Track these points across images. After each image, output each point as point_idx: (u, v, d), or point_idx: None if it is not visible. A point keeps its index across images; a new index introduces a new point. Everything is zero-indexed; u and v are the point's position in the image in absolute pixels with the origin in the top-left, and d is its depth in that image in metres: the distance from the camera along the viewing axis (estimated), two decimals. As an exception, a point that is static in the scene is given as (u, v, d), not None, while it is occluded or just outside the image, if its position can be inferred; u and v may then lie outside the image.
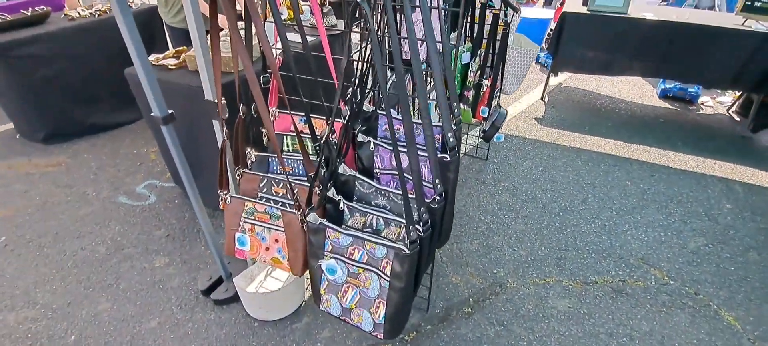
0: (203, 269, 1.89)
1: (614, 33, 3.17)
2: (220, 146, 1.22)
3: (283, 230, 1.20)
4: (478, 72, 2.20)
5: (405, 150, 1.17)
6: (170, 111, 1.36)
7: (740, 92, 3.51)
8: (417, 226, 1.02)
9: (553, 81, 4.08)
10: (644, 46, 3.12)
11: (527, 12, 5.04)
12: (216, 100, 1.25)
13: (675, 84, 3.75)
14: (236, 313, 1.70)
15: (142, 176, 2.61)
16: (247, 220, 1.24)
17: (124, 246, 2.05)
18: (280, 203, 1.24)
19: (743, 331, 1.68)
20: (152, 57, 2.09)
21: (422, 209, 1.01)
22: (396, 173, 1.21)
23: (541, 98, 3.79)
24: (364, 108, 1.27)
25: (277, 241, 1.23)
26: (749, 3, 2.87)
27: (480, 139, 2.52)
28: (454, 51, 2.06)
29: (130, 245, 2.06)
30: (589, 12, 3.21)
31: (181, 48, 2.18)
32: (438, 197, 1.06)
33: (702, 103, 3.73)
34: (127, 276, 1.88)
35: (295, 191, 1.12)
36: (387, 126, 1.24)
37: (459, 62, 2.12)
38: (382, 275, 1.05)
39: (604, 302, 1.79)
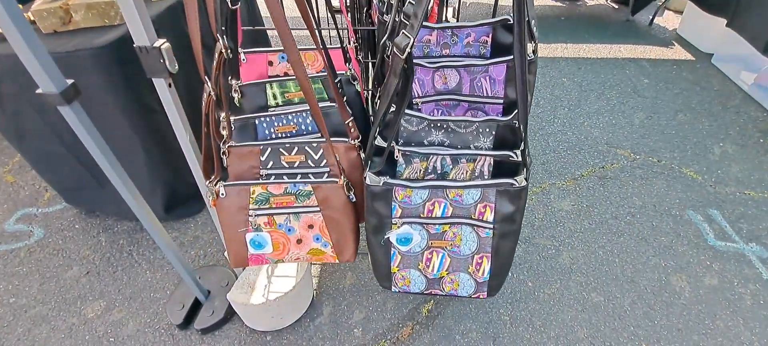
0: (163, 299, 1.41)
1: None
2: (203, 110, 0.77)
3: (318, 209, 0.86)
4: None
5: (454, 64, 0.91)
6: (70, 81, 0.84)
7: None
8: (516, 151, 0.80)
9: (459, -2, 4.02)
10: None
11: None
12: (157, 46, 0.79)
13: (562, -16, 4.01)
14: (235, 334, 1.30)
15: (6, 208, 1.82)
16: (259, 211, 0.86)
17: (27, 307, 1.42)
18: (303, 175, 0.89)
19: (703, 181, 1.90)
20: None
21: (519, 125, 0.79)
22: (442, 98, 0.95)
23: (454, 17, 3.71)
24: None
25: (311, 226, 0.88)
26: None
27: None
28: None
29: (35, 302, 1.43)
30: None
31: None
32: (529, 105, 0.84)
33: (585, -1, 4.08)
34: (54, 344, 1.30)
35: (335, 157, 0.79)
36: (418, 39, 0.94)
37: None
38: (481, 224, 0.82)
39: (598, 191, 1.85)
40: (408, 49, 0.59)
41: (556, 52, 3.05)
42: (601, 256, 1.58)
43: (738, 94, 2.50)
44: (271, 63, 1.01)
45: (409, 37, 0.59)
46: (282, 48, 1.04)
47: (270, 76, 1.02)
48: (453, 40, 0.94)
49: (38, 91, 0.83)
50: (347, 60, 0.93)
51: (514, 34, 0.66)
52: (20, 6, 0.73)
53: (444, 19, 2.20)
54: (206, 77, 0.71)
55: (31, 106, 1.40)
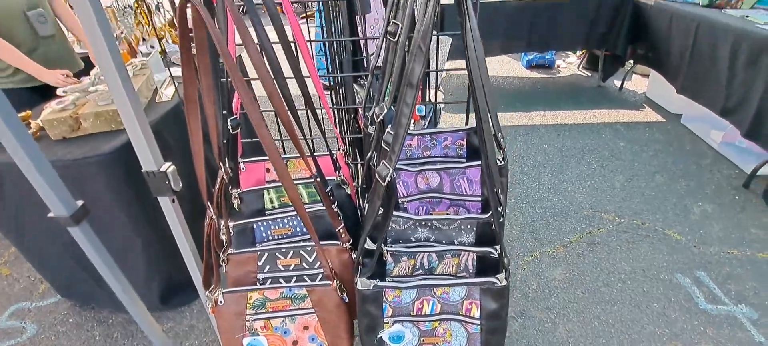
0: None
1: (485, 18, 3.47)
2: (205, 229, 0.84)
3: (313, 311, 0.90)
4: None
5: (434, 168, 1.00)
6: (80, 203, 0.91)
7: (583, 53, 4.24)
8: (495, 246, 0.86)
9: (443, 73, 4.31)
10: (512, 26, 3.48)
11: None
12: (163, 170, 0.87)
13: (535, 55, 4.34)
14: None
15: (0, 302, 1.81)
16: (256, 316, 0.89)
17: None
18: (299, 278, 0.94)
19: (687, 242, 1.96)
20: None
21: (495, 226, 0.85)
22: (425, 196, 1.03)
23: (437, 88, 3.95)
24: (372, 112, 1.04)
25: (306, 328, 0.91)
26: (581, -23, 3.45)
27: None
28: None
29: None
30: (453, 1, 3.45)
31: (24, 113, 1.57)
32: (501, 209, 0.92)
33: (558, 66, 4.39)
34: None
35: (328, 264, 0.84)
36: (408, 143, 1.04)
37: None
38: (469, 321, 0.86)
39: (587, 257, 1.90)
40: (388, 179, 0.67)
41: (535, 119, 3.24)
42: (598, 327, 1.59)
43: (709, 153, 2.65)
44: (268, 170, 1.10)
45: (388, 167, 0.67)
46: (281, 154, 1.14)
47: (268, 182, 1.10)
48: (433, 144, 1.04)
49: (50, 215, 0.89)
50: (337, 168, 1.02)
51: (482, 156, 0.75)
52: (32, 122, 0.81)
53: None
54: (208, 203, 0.78)
55: (33, 206, 1.45)
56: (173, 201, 0.93)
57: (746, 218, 2.08)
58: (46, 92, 1.83)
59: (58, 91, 1.57)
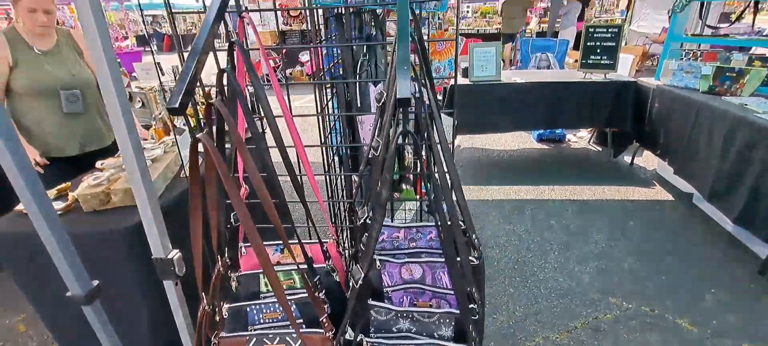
0: None
1: (495, 97, 3.66)
2: (198, 316, 0.92)
3: (295, 399, 0.93)
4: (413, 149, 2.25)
5: (417, 260, 1.06)
6: (96, 282, 1.01)
7: (594, 129, 4.34)
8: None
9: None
10: (520, 105, 3.65)
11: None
12: (170, 258, 0.97)
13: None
14: None
15: (8, 371, 1.88)
16: (241, 402, 0.93)
17: None
18: (282, 365, 0.98)
19: (700, 333, 1.88)
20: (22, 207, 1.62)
21: (470, 323, 0.89)
22: (409, 286, 1.08)
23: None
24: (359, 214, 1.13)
25: (288, 416, 0.94)
26: (584, 61, 3.65)
27: (426, 212, 2.54)
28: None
29: None
30: (471, 82, 3.67)
31: (64, 185, 1.74)
32: (477, 307, 0.96)
33: (569, 141, 4.48)
34: None
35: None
36: (390, 236, 1.12)
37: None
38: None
39: (592, 346, 1.84)
40: (360, 281, 0.75)
41: (543, 194, 3.27)
42: None
43: (723, 236, 2.59)
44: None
45: (360, 271, 0.75)
46: (277, 242, 1.23)
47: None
48: (418, 236, 1.11)
49: (68, 293, 0.99)
50: (327, 257, 1.09)
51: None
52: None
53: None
54: (203, 294, 0.87)
55: (53, 277, 1.56)
56: (176, 284, 1.02)
57: (763, 308, 1.99)
58: (74, 161, 1.99)
59: (97, 165, 1.75)
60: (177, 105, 0.63)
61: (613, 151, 3.87)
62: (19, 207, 1.65)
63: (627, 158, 3.85)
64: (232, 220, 1.00)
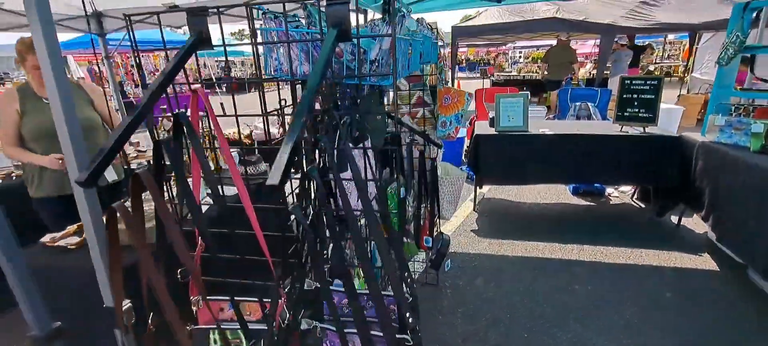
0: None
1: (521, 148, 3.53)
2: None
3: None
4: (415, 203, 2.21)
5: (354, 332, 1.01)
6: (57, 324, 1.06)
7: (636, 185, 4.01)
8: None
9: (478, 192, 4.33)
10: (548, 156, 3.48)
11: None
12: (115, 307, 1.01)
13: (583, 182, 4.20)
14: None
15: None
16: None
17: None
18: None
19: None
20: (48, 238, 1.78)
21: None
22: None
23: (474, 209, 3.94)
24: (306, 285, 1.11)
25: None
26: (620, 114, 3.43)
27: (429, 267, 2.44)
28: (389, 189, 2.06)
29: None
30: (497, 132, 3.59)
31: (78, 225, 1.90)
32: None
33: (609, 195, 4.16)
34: None
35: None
36: (339, 302, 1.09)
37: (396, 198, 2.11)
38: None
39: None
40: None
41: (570, 253, 3.03)
42: None
43: (783, 320, 2.21)
44: (222, 309, 1.19)
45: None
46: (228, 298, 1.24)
47: (220, 319, 1.19)
48: (369, 305, 1.06)
49: (29, 334, 1.05)
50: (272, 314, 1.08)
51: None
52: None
53: (436, 230, 2.39)
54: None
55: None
56: (126, 332, 1.05)
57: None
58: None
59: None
60: (84, 179, 0.66)
61: (656, 210, 3.53)
62: (43, 239, 1.83)
63: (674, 218, 3.48)
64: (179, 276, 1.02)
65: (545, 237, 3.29)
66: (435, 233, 2.36)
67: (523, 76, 11.64)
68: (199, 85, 0.99)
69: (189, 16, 0.92)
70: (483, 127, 3.79)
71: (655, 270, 2.76)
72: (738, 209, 2.46)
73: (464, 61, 27.53)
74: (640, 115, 3.36)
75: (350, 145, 1.41)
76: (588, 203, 4.01)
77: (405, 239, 2.21)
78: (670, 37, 16.66)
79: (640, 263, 2.86)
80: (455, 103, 2.18)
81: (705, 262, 2.83)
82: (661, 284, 2.60)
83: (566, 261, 2.93)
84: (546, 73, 8.33)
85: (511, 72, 17.37)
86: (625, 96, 3.42)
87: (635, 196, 4.06)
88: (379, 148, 1.87)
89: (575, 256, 2.99)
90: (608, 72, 8.42)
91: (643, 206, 3.88)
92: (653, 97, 3.31)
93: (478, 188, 3.92)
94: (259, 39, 0.94)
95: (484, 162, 3.62)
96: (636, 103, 3.38)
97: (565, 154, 3.46)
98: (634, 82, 3.39)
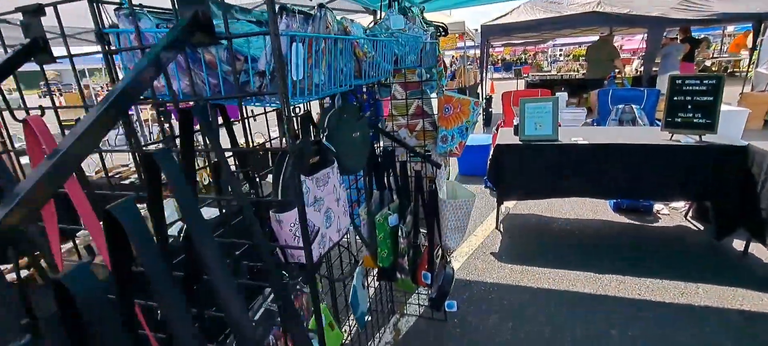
0: None
1: (550, 160, 3.09)
2: None
3: None
4: (411, 233, 1.88)
5: None
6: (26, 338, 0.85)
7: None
8: None
9: (503, 207, 3.90)
10: (582, 169, 3.03)
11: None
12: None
13: (625, 196, 3.66)
14: None
15: None
16: None
17: None
18: None
19: None
20: None
21: None
22: None
23: (496, 228, 3.53)
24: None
25: None
26: (670, 119, 2.92)
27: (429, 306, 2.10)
28: (377, 217, 1.75)
29: None
30: (521, 142, 3.17)
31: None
32: None
33: (658, 212, 3.60)
34: None
35: None
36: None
37: (386, 227, 1.80)
38: None
39: None
40: None
41: (608, 287, 2.56)
42: None
43: None
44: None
45: None
46: None
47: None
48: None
49: None
50: None
51: None
52: None
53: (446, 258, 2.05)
54: None
55: None
56: None
57: None
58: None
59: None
60: None
61: (716, 232, 2.96)
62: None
63: (739, 244, 2.90)
64: None
65: (578, 264, 2.83)
66: (436, 268, 2.01)
67: (562, 76, 10.87)
68: (33, 113, 0.73)
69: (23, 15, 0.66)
70: (506, 136, 3.38)
71: (715, 313, 2.25)
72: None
73: (500, 62, 26.62)
74: (694, 120, 2.83)
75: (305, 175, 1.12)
76: (631, 222, 3.48)
77: (399, 275, 1.89)
78: (730, 29, 15.12)
79: (696, 302, 2.35)
80: (458, 114, 1.83)
81: (782, 304, 2.28)
82: (723, 331, 2.10)
83: (602, 297, 2.47)
84: (584, 73, 7.67)
85: (550, 71, 16.45)
86: (675, 99, 2.91)
87: (690, 214, 3.48)
88: (353, 172, 1.56)
89: (614, 290, 2.53)
90: (657, 69, 7.62)
91: (700, 226, 3.30)
92: (712, 99, 2.77)
93: (501, 205, 3.51)
94: (113, 45, 0.67)
95: (505, 176, 3.22)
96: (690, 107, 2.85)
97: (601, 168, 2.99)
98: (686, 82, 2.87)
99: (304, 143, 1.16)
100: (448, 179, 3.25)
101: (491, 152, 3.29)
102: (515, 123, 3.45)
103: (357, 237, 1.61)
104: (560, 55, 23.85)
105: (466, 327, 2.28)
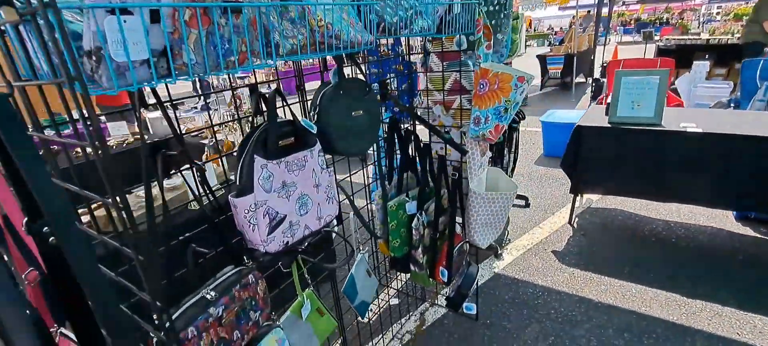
0: None
1: (646, 150, 2.49)
2: None
3: None
4: (431, 223, 1.68)
5: None
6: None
7: None
8: None
9: (585, 198, 3.35)
10: (691, 166, 2.38)
11: (556, 115, 4.50)
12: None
13: (758, 203, 2.81)
14: None
15: None
16: None
17: None
18: None
19: None
20: None
21: None
22: None
23: (569, 222, 3.06)
24: None
25: None
26: (842, 107, 2.08)
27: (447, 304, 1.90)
28: (390, 204, 1.59)
29: None
30: (611, 125, 2.61)
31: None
32: None
33: (805, 230, 2.71)
34: None
35: None
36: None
37: (401, 215, 1.64)
38: None
39: None
40: None
41: (697, 318, 2.03)
42: None
43: None
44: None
45: None
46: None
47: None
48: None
49: None
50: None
51: None
52: None
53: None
54: None
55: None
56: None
57: None
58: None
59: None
60: None
61: None
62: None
63: None
64: None
65: (665, 282, 2.30)
66: (456, 264, 1.80)
67: (708, 40, 8.71)
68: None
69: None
70: (593, 116, 2.84)
71: None
72: None
73: (633, 22, 22.63)
74: None
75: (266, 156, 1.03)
76: (760, 236, 2.68)
77: (412, 268, 1.73)
78: None
79: (830, 364, 1.72)
80: (495, 92, 1.52)
81: None
82: None
83: (683, 328, 1.97)
84: (739, 37, 5.99)
85: (699, 34, 13.34)
86: None
87: None
88: (352, 154, 1.41)
89: (702, 323, 1.99)
90: None
91: None
92: None
93: (577, 196, 3.01)
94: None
95: (584, 163, 2.72)
96: None
97: (719, 167, 2.31)
98: None
99: (270, 125, 1.06)
100: (514, 162, 2.90)
101: (571, 135, 2.79)
102: (608, 101, 2.85)
103: (361, 224, 1.49)
104: (717, 13, 19.18)
105: (498, 331, 2.04)
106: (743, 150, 2.21)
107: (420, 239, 1.64)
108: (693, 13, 20.18)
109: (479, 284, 2.40)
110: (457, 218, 1.75)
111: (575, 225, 3.01)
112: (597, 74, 7.35)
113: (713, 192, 2.39)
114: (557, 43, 9.85)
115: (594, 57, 8.19)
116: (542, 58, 8.37)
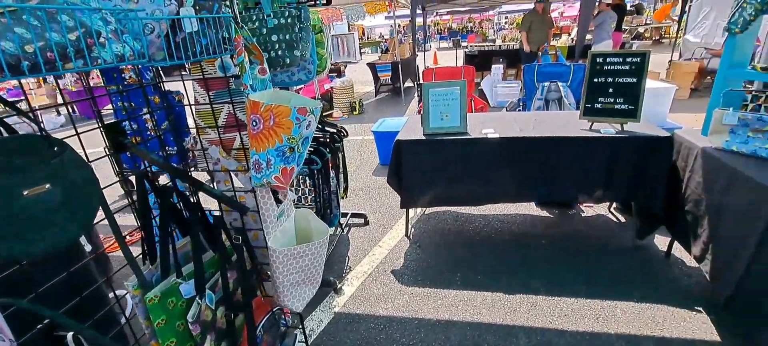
0: None
1: (458, 159, 2.59)
2: None
3: None
4: (219, 304, 1.28)
5: None
6: None
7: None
8: None
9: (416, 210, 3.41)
10: (495, 168, 2.56)
11: (386, 123, 4.56)
12: None
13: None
14: None
15: None
16: None
17: None
18: None
19: None
20: None
21: None
22: None
23: (406, 234, 3.04)
24: None
25: None
26: (589, 106, 2.49)
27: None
28: (150, 295, 1.12)
29: None
30: (426, 137, 2.64)
31: None
32: None
33: (580, 204, 3.26)
34: None
35: None
36: None
37: (171, 306, 1.18)
38: None
39: None
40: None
41: (517, 313, 2.13)
42: None
43: None
44: None
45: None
46: None
47: None
48: None
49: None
50: None
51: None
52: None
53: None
54: None
55: None
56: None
57: None
58: None
59: None
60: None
61: (637, 229, 2.63)
62: None
63: (662, 242, 2.61)
64: None
65: (488, 282, 2.39)
66: (275, 335, 1.44)
67: (500, 47, 10.50)
68: None
69: None
70: (410, 129, 2.84)
71: (625, 339, 1.89)
72: (760, 258, 1.57)
73: (446, 30, 26.13)
74: (616, 107, 2.42)
75: None
76: (553, 217, 3.11)
77: None
78: (662, -6, 15.51)
79: (612, 329, 1.98)
80: (272, 130, 1.21)
81: (701, 325, 1.96)
82: (641, 374, 1.73)
83: (509, 329, 2.04)
84: (522, 43, 7.28)
85: (495, 40, 16.08)
86: (595, 80, 2.48)
87: (615, 205, 3.17)
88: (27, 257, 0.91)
89: (522, 318, 2.10)
90: (591, 38, 7.41)
91: (622, 219, 3.00)
92: (635, 81, 2.36)
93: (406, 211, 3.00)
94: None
95: (408, 178, 2.69)
96: (611, 91, 2.43)
97: (514, 165, 2.53)
98: (608, 60, 2.44)
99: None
100: (345, 181, 2.67)
101: (392, 150, 2.73)
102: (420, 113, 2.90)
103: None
104: (505, 22, 23.65)
105: (336, 394, 1.77)
106: (531, 149, 2.46)
107: (205, 332, 1.22)
108: (489, 23, 24.39)
109: (318, 333, 2.11)
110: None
111: (411, 236, 3.00)
112: (421, 79, 7.99)
113: (517, 188, 2.61)
114: (384, 51, 10.43)
115: (417, 64, 8.92)
116: (372, 66, 8.70)
